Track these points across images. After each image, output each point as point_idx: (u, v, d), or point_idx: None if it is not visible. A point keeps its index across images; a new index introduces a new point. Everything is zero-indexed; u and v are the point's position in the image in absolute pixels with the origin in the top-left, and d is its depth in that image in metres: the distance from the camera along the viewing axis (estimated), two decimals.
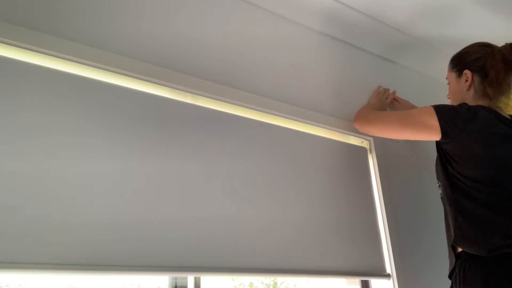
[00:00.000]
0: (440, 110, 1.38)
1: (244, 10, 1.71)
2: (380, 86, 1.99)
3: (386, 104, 1.92)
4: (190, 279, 1.30)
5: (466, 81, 1.49)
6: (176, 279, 1.29)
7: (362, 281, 1.71)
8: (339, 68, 1.93)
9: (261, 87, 1.62)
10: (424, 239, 1.80)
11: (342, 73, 1.93)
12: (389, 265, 1.66)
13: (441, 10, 1.91)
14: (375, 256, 1.65)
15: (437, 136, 1.38)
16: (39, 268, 1.02)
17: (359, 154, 1.82)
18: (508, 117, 1.42)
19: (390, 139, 1.91)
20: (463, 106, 1.39)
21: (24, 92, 1.12)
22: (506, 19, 1.97)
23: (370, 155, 1.85)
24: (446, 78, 1.61)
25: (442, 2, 1.86)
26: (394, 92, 1.98)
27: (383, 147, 1.87)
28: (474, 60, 1.49)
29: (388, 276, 1.64)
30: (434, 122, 1.36)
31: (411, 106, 1.96)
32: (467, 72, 1.49)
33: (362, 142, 1.86)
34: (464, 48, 1.56)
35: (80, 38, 1.26)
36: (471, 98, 1.47)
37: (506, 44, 1.45)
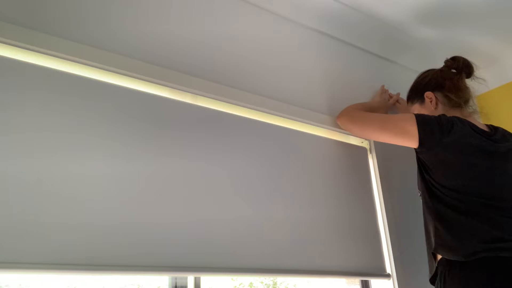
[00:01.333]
0: (420, 119, 1.42)
1: (243, 10, 1.71)
2: (383, 86, 1.99)
3: (389, 104, 1.93)
4: (190, 279, 1.30)
5: (431, 101, 1.57)
6: (176, 279, 1.29)
7: (362, 281, 1.71)
8: (339, 67, 1.93)
9: (261, 87, 1.62)
10: (424, 239, 1.80)
11: (342, 73, 1.93)
12: (389, 265, 1.66)
13: (441, 10, 1.91)
14: (375, 256, 1.65)
15: (414, 143, 1.42)
16: (39, 268, 1.02)
17: (359, 154, 1.82)
18: (483, 127, 1.47)
19: None
20: (442, 117, 1.43)
21: (23, 92, 1.12)
22: (505, 19, 1.97)
23: (370, 155, 1.85)
24: (413, 113, 1.66)
25: (442, 2, 1.86)
26: (398, 94, 1.99)
27: (383, 147, 1.87)
28: (428, 82, 1.61)
29: (388, 276, 1.64)
30: (413, 129, 1.41)
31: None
32: (428, 93, 1.58)
33: (362, 142, 1.86)
34: (413, 82, 1.68)
35: (79, 38, 1.26)
36: (441, 112, 1.53)
37: (445, 59, 1.63)
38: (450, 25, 2.01)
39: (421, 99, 1.61)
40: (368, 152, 1.85)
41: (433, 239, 1.35)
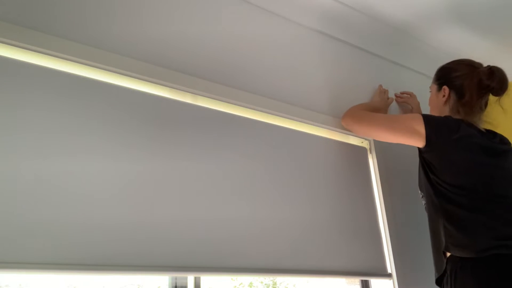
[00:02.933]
0: (427, 119, 1.45)
1: (244, 10, 1.71)
2: (381, 85, 1.99)
3: (388, 103, 1.93)
4: (190, 279, 1.30)
5: (443, 96, 1.56)
6: (176, 279, 1.29)
7: (362, 281, 1.71)
8: (339, 68, 1.93)
9: (261, 87, 1.61)
10: (424, 239, 1.80)
11: (343, 73, 1.93)
12: (389, 265, 1.66)
13: (442, 11, 1.91)
14: (375, 256, 1.65)
15: (420, 143, 1.44)
16: (39, 268, 1.02)
17: (359, 154, 1.82)
18: (484, 130, 1.50)
19: None
20: (448, 117, 1.46)
21: (23, 92, 1.12)
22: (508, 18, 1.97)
23: (370, 155, 1.85)
24: (430, 87, 1.68)
25: (444, 3, 1.86)
26: (395, 95, 2.01)
27: (383, 147, 1.87)
28: (455, 78, 1.55)
29: (388, 276, 1.64)
30: (421, 128, 1.43)
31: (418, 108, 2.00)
32: (445, 88, 1.56)
33: (362, 142, 1.86)
34: (449, 62, 1.62)
35: (80, 38, 1.26)
36: (447, 113, 1.54)
37: (486, 67, 1.50)
38: (453, 25, 2.01)
39: (440, 87, 1.59)
40: (368, 152, 1.85)
41: (443, 239, 1.35)
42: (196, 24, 1.54)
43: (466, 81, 1.51)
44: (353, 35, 2.01)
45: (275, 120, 1.61)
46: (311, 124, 1.69)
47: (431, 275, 1.70)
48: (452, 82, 1.55)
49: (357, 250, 1.60)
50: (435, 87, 1.63)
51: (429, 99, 1.67)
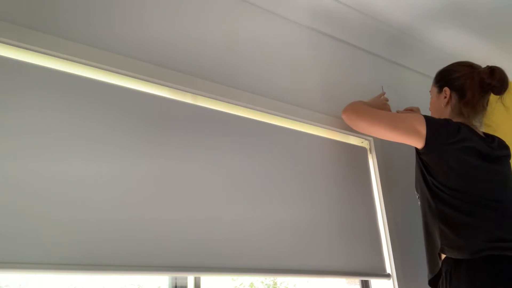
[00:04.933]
0: (430, 121, 1.45)
1: (244, 10, 1.71)
2: (384, 93, 1.92)
3: (386, 109, 1.90)
4: (190, 279, 1.30)
5: (445, 97, 1.56)
6: (176, 279, 1.29)
7: (362, 281, 1.71)
8: (340, 68, 1.93)
9: (262, 87, 1.61)
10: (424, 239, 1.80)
11: (343, 73, 1.93)
12: (389, 265, 1.66)
13: (442, 10, 1.91)
14: (375, 256, 1.65)
15: (419, 144, 1.44)
16: (39, 268, 1.02)
17: (359, 154, 1.82)
18: (482, 135, 1.51)
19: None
20: (449, 121, 1.46)
21: (23, 92, 1.12)
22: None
23: (370, 155, 1.85)
24: (430, 91, 1.68)
25: (444, 3, 1.86)
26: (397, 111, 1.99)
27: (383, 147, 1.87)
28: (455, 79, 1.56)
29: (388, 276, 1.64)
30: (422, 129, 1.43)
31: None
32: (446, 90, 1.56)
33: (362, 142, 1.86)
34: (448, 65, 1.63)
35: (80, 38, 1.26)
36: (448, 115, 1.55)
37: (486, 66, 1.52)
38: (454, 27, 2.01)
39: (440, 89, 1.59)
40: (368, 152, 1.85)
41: (438, 241, 1.37)
42: (195, 24, 1.54)
43: (467, 81, 1.52)
44: (354, 35, 2.01)
45: (275, 120, 1.61)
46: (311, 124, 1.69)
47: None
48: (453, 83, 1.55)
49: (357, 250, 1.60)
50: (435, 90, 1.63)
51: (430, 103, 1.66)
